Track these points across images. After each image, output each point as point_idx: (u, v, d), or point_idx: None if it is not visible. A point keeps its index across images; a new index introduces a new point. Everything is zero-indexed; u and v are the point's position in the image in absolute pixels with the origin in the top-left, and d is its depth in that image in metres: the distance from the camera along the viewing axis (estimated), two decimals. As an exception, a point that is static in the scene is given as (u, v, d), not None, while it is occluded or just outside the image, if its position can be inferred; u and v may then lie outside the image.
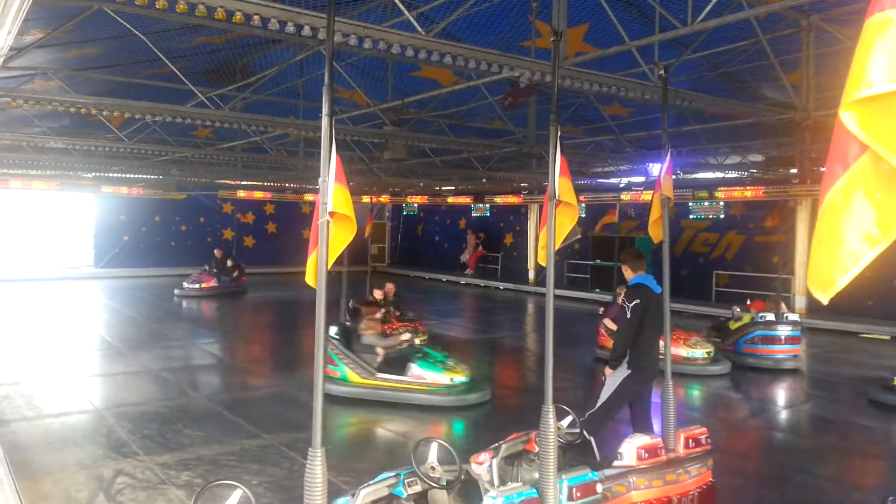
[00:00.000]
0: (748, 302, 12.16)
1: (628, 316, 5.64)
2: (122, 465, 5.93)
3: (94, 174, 20.78)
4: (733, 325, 11.22)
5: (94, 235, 24.31)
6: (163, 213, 25.08)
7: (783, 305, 11.28)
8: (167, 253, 24.78)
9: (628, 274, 5.92)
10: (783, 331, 10.42)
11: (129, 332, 13.23)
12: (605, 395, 5.76)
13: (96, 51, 8.88)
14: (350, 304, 10.91)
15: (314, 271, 3.10)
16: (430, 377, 8.19)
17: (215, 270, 19.34)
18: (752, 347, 10.57)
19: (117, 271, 23.61)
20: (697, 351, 10.03)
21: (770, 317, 10.59)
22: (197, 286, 18.76)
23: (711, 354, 10.13)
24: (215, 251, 20.32)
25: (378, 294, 11.52)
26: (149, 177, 21.61)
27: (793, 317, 10.76)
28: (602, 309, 11.59)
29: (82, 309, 16.63)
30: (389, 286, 12.11)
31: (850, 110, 1.73)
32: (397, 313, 11.54)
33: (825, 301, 1.77)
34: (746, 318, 11.01)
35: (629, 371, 5.66)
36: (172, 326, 14.18)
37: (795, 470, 6.43)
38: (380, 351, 8.49)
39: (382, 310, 10.37)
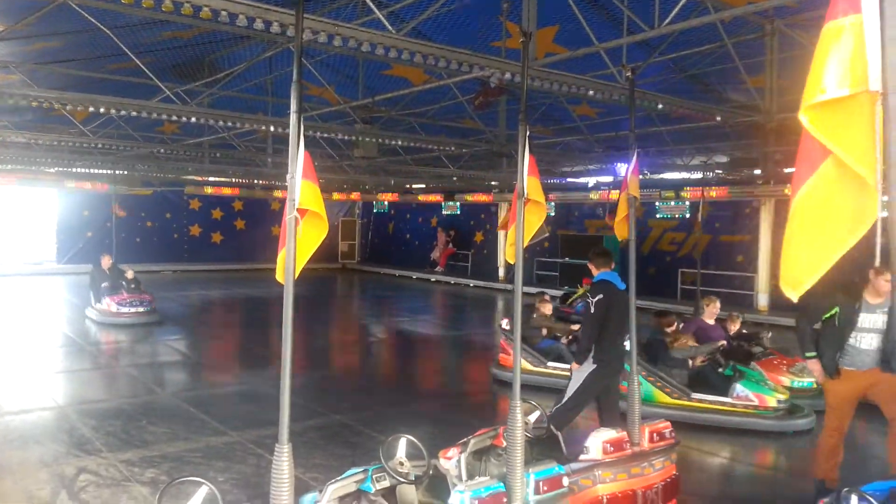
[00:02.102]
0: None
1: (592, 311, 5.76)
2: (85, 463, 5.85)
3: (56, 169, 20.37)
4: (573, 297, 14.56)
5: (57, 231, 23.83)
6: (128, 208, 24.69)
7: None
8: (132, 249, 24.41)
9: (594, 271, 6.02)
10: None
11: (92, 329, 13.01)
12: (571, 389, 5.85)
13: (60, 44, 8.72)
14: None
15: (283, 267, 3.11)
16: (759, 399, 7.21)
17: (132, 285, 13.82)
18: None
19: (81, 267, 23.11)
20: (805, 380, 8.25)
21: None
22: (141, 309, 13.31)
23: None
24: (103, 259, 14.30)
25: (546, 308, 9.84)
26: (114, 172, 21.21)
27: None
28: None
29: (44, 305, 16.31)
30: (548, 296, 10.17)
31: (808, 114, 1.79)
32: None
33: (795, 299, 1.88)
34: (581, 291, 14.24)
35: (594, 366, 5.75)
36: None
37: (750, 464, 6.59)
38: (696, 363, 7.69)
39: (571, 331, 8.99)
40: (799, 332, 5.26)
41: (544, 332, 9.53)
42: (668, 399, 7.46)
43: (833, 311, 5.02)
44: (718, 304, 9.02)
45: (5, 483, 5.41)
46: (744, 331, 9.17)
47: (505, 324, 9.63)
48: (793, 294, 1.85)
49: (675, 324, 8.28)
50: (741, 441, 7.01)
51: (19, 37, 8.01)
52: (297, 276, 3.11)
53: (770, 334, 9.30)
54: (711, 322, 8.90)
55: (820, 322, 5.15)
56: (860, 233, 1.73)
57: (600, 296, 5.75)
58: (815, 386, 8.09)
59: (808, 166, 1.83)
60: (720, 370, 7.70)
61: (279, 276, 3.13)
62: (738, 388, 7.30)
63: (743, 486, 6.13)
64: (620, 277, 5.86)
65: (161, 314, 13.86)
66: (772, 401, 7.21)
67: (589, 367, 5.77)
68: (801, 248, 1.83)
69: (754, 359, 8.42)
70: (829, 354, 5.07)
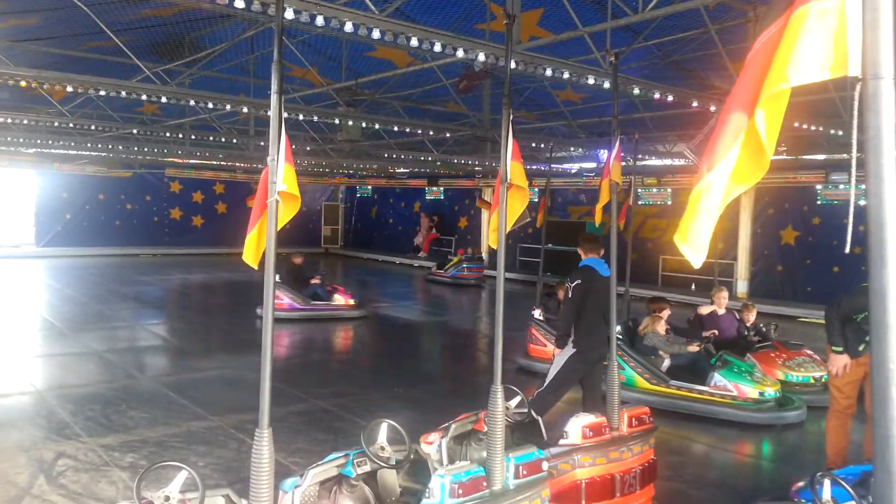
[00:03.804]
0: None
1: (569, 295, 5.81)
2: (64, 448, 5.80)
3: (35, 150, 20.04)
4: (449, 264, 19.99)
5: (36, 213, 23.53)
6: (107, 191, 24.40)
7: (471, 250, 20.90)
8: (112, 232, 24.16)
9: (582, 256, 6.06)
10: (471, 263, 19.68)
11: (72, 313, 12.87)
12: (551, 374, 5.88)
13: (36, 21, 8.53)
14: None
15: (254, 250, 3.09)
16: (738, 390, 7.15)
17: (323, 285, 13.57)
18: (458, 272, 19.57)
19: (60, 250, 22.90)
20: (802, 375, 7.98)
21: (465, 257, 20.03)
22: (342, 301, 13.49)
23: (824, 380, 7.49)
24: (295, 257, 13.85)
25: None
26: (92, 153, 20.90)
27: (479, 257, 20.32)
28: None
29: (22, 289, 16.11)
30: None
31: (766, 100, 1.82)
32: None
33: (699, 264, 1.99)
34: (455, 259, 20.07)
35: (574, 350, 5.79)
36: (116, 307, 13.83)
37: (724, 449, 6.67)
38: (663, 354, 7.69)
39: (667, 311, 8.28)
40: (829, 325, 5.21)
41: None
42: (647, 385, 7.51)
43: (865, 314, 4.91)
44: (726, 293, 8.75)
45: (-18, 467, 5.36)
46: (760, 324, 8.97)
47: (538, 313, 9.40)
48: (698, 260, 1.95)
49: (667, 311, 8.18)
50: (717, 431, 6.97)
51: (-7, 13, 7.83)
52: (260, 256, 3.09)
53: (777, 326, 9.08)
54: (721, 312, 8.67)
55: (848, 319, 5.13)
56: (742, 190, 1.93)
57: (578, 280, 5.80)
58: (812, 381, 7.94)
59: (724, 143, 1.91)
60: (716, 362, 7.53)
61: (247, 258, 3.11)
62: (716, 377, 7.24)
63: (720, 471, 6.20)
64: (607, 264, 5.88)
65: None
66: (753, 392, 7.11)
67: (569, 351, 5.81)
68: (711, 219, 1.99)
69: (751, 350, 8.22)
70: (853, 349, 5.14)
